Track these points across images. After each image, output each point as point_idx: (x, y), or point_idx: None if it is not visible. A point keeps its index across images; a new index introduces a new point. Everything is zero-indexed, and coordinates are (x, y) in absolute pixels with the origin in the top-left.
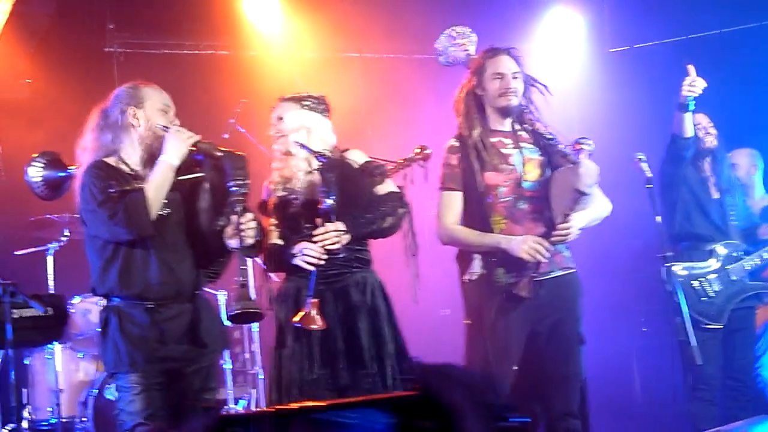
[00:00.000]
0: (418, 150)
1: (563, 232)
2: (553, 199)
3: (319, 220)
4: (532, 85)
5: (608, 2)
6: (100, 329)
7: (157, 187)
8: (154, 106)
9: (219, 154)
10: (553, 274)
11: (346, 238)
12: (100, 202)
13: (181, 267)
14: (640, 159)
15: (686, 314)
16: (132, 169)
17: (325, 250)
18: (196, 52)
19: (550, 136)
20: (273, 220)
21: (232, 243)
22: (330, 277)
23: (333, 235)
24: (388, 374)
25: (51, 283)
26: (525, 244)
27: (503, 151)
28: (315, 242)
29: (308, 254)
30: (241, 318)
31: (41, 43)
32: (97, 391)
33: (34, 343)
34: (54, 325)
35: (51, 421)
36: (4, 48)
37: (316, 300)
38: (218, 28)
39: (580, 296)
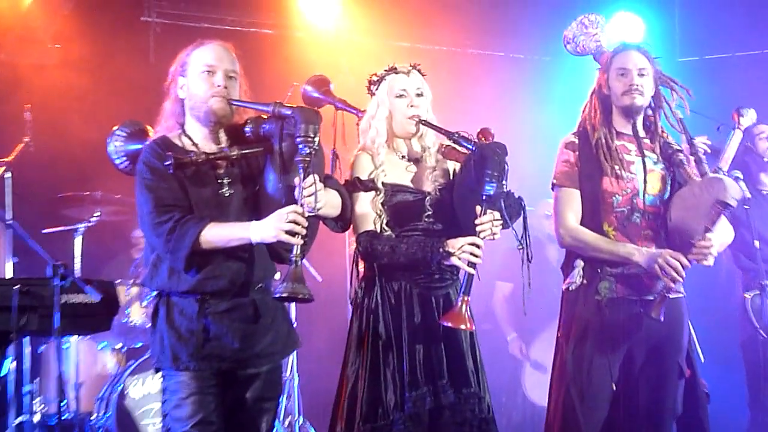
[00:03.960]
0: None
1: (704, 250)
2: (686, 213)
3: (478, 208)
4: (667, 85)
5: (679, 11)
6: (150, 320)
7: (217, 240)
8: (195, 71)
9: (288, 112)
10: None
11: (499, 230)
12: (152, 208)
13: (242, 255)
14: (737, 177)
15: None
16: (194, 143)
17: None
18: (238, 28)
19: (677, 148)
20: (379, 206)
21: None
22: (435, 281)
23: (498, 224)
24: (484, 396)
25: (78, 265)
26: (661, 258)
27: (626, 157)
28: (477, 233)
29: (472, 251)
30: (288, 302)
31: (75, 7)
32: (122, 386)
33: (80, 333)
34: (103, 315)
35: (64, 417)
36: (37, 11)
37: (468, 298)
38: (263, 5)
39: (686, 324)
